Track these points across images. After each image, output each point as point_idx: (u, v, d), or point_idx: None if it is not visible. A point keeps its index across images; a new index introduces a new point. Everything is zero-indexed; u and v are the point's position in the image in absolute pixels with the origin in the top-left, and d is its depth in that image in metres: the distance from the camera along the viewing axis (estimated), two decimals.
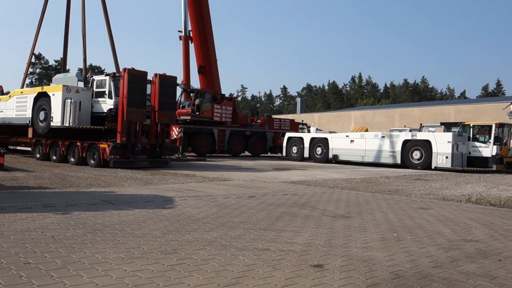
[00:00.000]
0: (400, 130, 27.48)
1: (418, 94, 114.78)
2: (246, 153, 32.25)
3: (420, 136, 22.27)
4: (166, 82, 17.52)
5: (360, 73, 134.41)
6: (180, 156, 24.68)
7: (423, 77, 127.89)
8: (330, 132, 28.23)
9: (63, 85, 17.66)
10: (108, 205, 7.70)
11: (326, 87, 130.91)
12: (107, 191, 9.78)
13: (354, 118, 58.49)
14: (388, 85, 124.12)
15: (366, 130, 32.25)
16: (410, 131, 25.39)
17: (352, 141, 24.60)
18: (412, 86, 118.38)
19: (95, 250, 4.58)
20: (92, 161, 16.88)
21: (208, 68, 31.89)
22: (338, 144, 25.15)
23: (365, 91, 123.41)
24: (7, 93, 24.74)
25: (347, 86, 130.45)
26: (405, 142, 22.37)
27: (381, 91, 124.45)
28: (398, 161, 22.53)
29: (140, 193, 9.49)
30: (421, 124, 29.51)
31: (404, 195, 10.84)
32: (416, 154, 21.89)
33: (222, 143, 29.42)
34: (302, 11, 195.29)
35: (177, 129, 26.40)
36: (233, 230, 5.89)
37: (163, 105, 17.27)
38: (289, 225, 6.43)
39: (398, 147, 22.52)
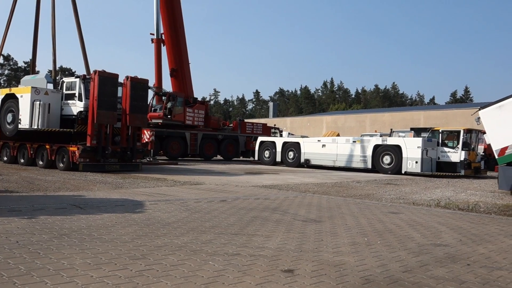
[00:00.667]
0: (371, 135, 27.89)
1: (389, 99, 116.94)
2: (219, 157, 32.17)
3: (391, 141, 22.65)
4: (138, 85, 17.34)
5: (332, 78, 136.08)
6: (151, 159, 24.39)
7: (394, 83, 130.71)
8: (302, 137, 28.42)
9: (32, 87, 17.26)
10: (76, 209, 7.53)
11: (299, 92, 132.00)
12: (75, 195, 9.58)
13: (326, 122, 59.08)
14: (360, 91, 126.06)
15: (338, 135, 32.61)
16: (381, 136, 25.79)
17: (323, 145, 24.82)
18: (383, 91, 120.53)
19: (61, 256, 4.46)
20: (61, 165, 16.54)
21: (181, 71, 31.65)
22: (310, 148, 25.35)
23: (337, 96, 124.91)
24: None
25: (319, 91, 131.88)
26: (376, 147, 22.71)
27: (353, 96, 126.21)
28: (369, 165, 22.84)
29: (110, 197, 9.33)
30: (391, 129, 30.03)
31: (375, 200, 10.99)
32: (387, 159, 22.24)
33: (194, 146, 29.25)
34: (276, 15, 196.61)
35: (149, 132, 26.16)
36: (203, 235, 5.84)
37: (134, 108, 17.07)
38: (260, 229, 6.42)
39: (369, 152, 22.84)
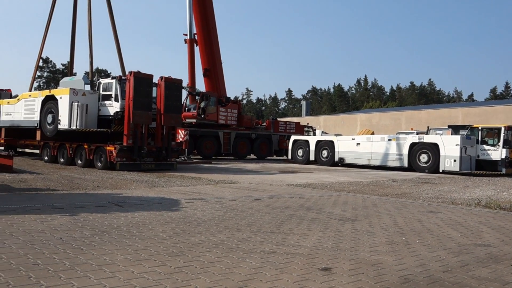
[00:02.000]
0: (407, 133, 27.38)
1: (425, 96, 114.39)
2: (252, 156, 32.27)
3: (428, 139, 22.17)
4: (172, 85, 17.58)
5: (365, 76, 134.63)
6: (185, 159, 24.73)
7: (430, 79, 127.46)
8: (336, 135, 28.16)
9: (70, 88, 17.73)
10: (115, 207, 7.71)
11: (332, 90, 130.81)
12: (114, 193, 9.80)
13: (360, 121, 58.33)
14: (394, 88, 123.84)
15: (372, 133, 32.19)
16: (417, 134, 25.29)
17: (358, 144, 24.55)
18: (419, 88, 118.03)
19: (102, 252, 4.59)
20: (99, 164, 16.95)
21: (213, 71, 31.94)
22: (344, 147, 25.11)
23: (371, 94, 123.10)
24: (16, 96, 24.90)
25: (353, 88, 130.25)
26: (412, 145, 22.29)
27: (387, 93, 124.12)
28: (405, 164, 22.44)
29: (147, 196, 9.50)
30: (428, 127, 29.41)
31: (412, 199, 10.79)
32: (424, 157, 21.80)
33: (227, 146, 29.45)
34: (308, 13, 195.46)
35: (183, 132, 26.54)
36: (239, 233, 5.88)
37: (168, 108, 17.33)
38: (295, 228, 6.41)
39: (405, 150, 22.44)
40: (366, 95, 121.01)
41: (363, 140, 24.69)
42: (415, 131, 28.81)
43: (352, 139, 25.50)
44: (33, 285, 3.48)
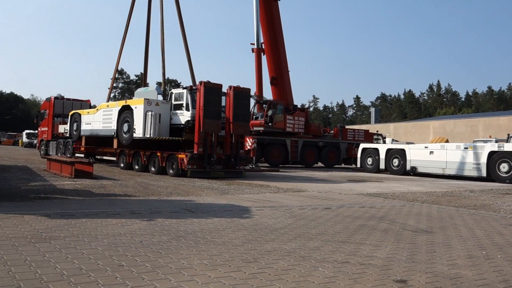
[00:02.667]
0: (485, 141, 25.96)
1: (505, 102, 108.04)
2: (319, 164, 32.02)
3: (508, 147, 20.88)
4: (240, 94, 17.90)
5: (438, 81, 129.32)
6: (253, 166, 25.00)
7: (510, 84, 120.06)
8: (408, 143, 27.29)
9: (145, 99, 18.54)
10: (188, 213, 7.98)
11: (402, 96, 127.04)
12: (186, 199, 10.14)
13: (433, 128, 56.09)
14: (470, 93, 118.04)
15: (447, 141, 30.88)
16: (496, 142, 23.91)
17: (431, 152, 23.61)
18: (498, 93, 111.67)
19: (180, 256, 4.79)
20: (171, 171, 17.57)
21: (280, 79, 32.15)
22: (417, 155, 24.24)
23: (445, 99, 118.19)
24: (94, 106, 26.48)
25: (425, 94, 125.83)
26: (491, 154, 21.09)
27: (462, 99, 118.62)
28: (484, 174, 21.26)
29: (218, 202, 9.74)
30: (508, 134, 27.70)
31: (492, 211, 10.23)
32: (504, 167, 20.54)
33: (295, 154, 29.44)
34: (374, 17, 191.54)
35: (251, 140, 26.86)
36: (311, 242, 5.89)
37: (237, 116, 17.66)
38: (368, 238, 6.32)
39: (483, 159, 21.27)
40: (439, 101, 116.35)
41: (436, 148, 23.71)
42: (494, 139, 27.25)
43: (425, 147, 24.57)
44: (119, 285, 3.71)
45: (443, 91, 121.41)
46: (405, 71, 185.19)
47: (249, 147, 26.35)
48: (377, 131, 40.01)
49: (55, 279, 3.80)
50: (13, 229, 5.82)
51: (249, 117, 18.83)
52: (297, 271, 4.41)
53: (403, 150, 25.07)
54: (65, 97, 29.97)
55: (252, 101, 30.17)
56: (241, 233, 6.29)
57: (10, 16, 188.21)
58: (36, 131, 38.86)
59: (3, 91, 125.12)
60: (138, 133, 18.52)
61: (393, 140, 32.72)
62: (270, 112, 29.05)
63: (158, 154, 18.17)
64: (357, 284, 4.08)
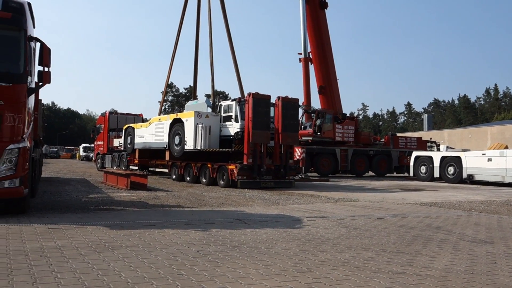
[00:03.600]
0: None
1: None
2: (370, 173, 31.51)
3: None
4: (289, 105, 17.99)
5: (496, 85, 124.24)
6: (303, 176, 24.97)
7: None
8: (463, 150, 26.38)
9: (195, 111, 18.98)
10: (241, 223, 8.13)
11: (456, 102, 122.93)
12: (238, 210, 10.30)
13: (491, 134, 53.86)
14: None
15: (506, 147, 29.59)
16: None
17: (489, 159, 22.69)
18: None
19: (236, 266, 4.92)
20: (221, 182, 17.84)
21: (329, 88, 32.00)
22: (473, 163, 23.37)
23: (503, 104, 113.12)
24: (146, 120, 27.35)
25: (481, 99, 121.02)
26: None
27: None
28: None
29: (269, 213, 9.84)
30: None
31: None
32: None
33: (344, 163, 29.12)
34: (426, 19, 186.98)
35: (300, 150, 26.86)
36: (365, 252, 5.87)
37: (286, 126, 17.73)
38: (423, 249, 6.21)
39: None
40: (496, 106, 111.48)
41: (495, 155, 22.76)
42: None
43: (483, 154, 23.65)
44: None
45: (501, 95, 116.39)
46: (459, 75, 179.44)
47: (298, 157, 26.34)
48: (431, 138, 38.90)
49: (121, 286, 4.02)
50: (78, 239, 6.17)
51: (298, 127, 18.87)
52: (352, 281, 4.42)
53: (458, 158, 24.25)
54: (118, 111, 31.14)
55: (301, 111, 30.24)
56: (294, 243, 6.35)
57: (69, 37, 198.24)
58: (92, 145, 40.55)
59: (61, 107, 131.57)
60: (189, 145, 18.95)
61: (447, 147, 31.78)
62: (318, 122, 28.95)
63: (209, 165, 18.51)
64: None
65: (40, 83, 8.51)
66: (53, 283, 4.04)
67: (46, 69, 8.35)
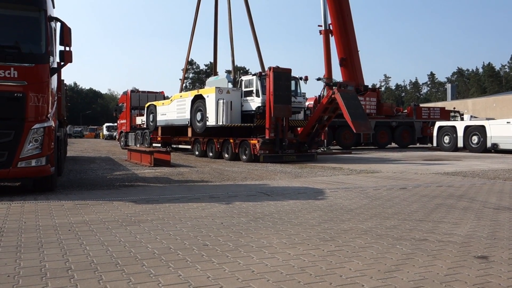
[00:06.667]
0: None
1: None
2: (393, 144, 31.24)
3: None
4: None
5: None
6: (325, 149, 24.92)
7: None
8: (488, 119, 25.87)
9: (216, 87, 19.01)
10: (264, 196, 8.23)
11: (481, 70, 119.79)
12: (261, 183, 10.40)
13: None
14: None
15: None
16: None
17: None
18: None
19: (259, 236, 5.02)
20: (244, 157, 17.96)
21: (350, 60, 31.53)
22: (498, 131, 22.94)
23: None
24: (168, 97, 27.52)
25: (506, 67, 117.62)
26: None
27: None
28: None
29: (292, 185, 9.92)
30: None
31: None
32: None
33: (367, 135, 28.90)
34: None
35: None
36: (387, 221, 5.91)
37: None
38: (446, 216, 6.21)
39: None
40: None
41: None
42: None
43: (507, 122, 23.17)
44: (206, 262, 4.00)
45: None
46: (483, 43, 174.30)
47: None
48: (454, 108, 38.17)
49: (148, 257, 4.16)
50: (105, 214, 6.35)
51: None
52: (374, 249, 4.48)
53: (483, 127, 23.83)
54: (140, 89, 31.38)
55: (322, 84, 29.96)
56: (317, 213, 6.42)
57: (89, 17, 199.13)
58: (115, 124, 41.08)
59: (83, 87, 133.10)
60: (211, 121, 19.05)
61: (471, 116, 31.16)
62: None
63: (231, 140, 18.62)
64: (436, 260, 4.08)
65: (62, 63, 8.65)
66: (82, 255, 4.21)
67: (67, 48, 8.45)
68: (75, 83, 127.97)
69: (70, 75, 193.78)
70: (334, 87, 17.86)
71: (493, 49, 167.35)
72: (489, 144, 23.26)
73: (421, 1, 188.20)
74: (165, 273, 3.70)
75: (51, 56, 8.41)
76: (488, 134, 23.28)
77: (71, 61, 8.55)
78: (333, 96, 17.37)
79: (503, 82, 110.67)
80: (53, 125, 8.55)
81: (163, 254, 4.26)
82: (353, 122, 16.74)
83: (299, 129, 20.67)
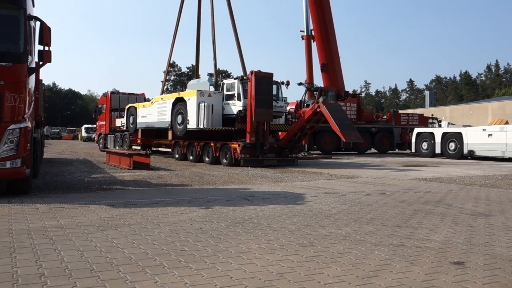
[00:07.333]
0: None
1: None
2: (373, 150, 31.54)
3: None
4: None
5: (497, 61, 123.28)
6: (306, 154, 25.02)
7: None
8: (464, 126, 26.35)
9: (197, 90, 18.90)
10: (244, 200, 8.20)
11: (458, 78, 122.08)
12: (241, 188, 10.37)
13: (492, 110, 53.66)
14: None
15: (506, 123, 29.54)
16: None
17: (490, 135, 22.69)
18: None
19: (238, 241, 4.99)
20: (224, 160, 17.89)
21: (331, 65, 31.80)
22: (474, 138, 23.37)
23: (504, 80, 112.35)
24: (148, 99, 27.28)
25: (482, 75, 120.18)
26: None
27: None
28: None
29: (272, 190, 9.91)
30: None
31: None
32: None
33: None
34: None
35: None
36: (366, 226, 5.94)
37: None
38: (424, 222, 6.28)
39: None
40: (498, 82, 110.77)
41: (495, 131, 22.75)
42: None
43: (483, 129, 23.64)
44: (184, 268, 3.95)
45: (502, 71, 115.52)
46: (460, 51, 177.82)
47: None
48: (432, 115, 38.82)
49: (125, 262, 4.09)
50: (81, 218, 6.24)
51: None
52: (353, 254, 4.49)
53: (459, 134, 24.25)
54: (120, 91, 31.05)
55: (303, 89, 30.17)
56: (297, 218, 6.42)
57: (70, 16, 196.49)
58: (95, 126, 40.55)
59: (62, 87, 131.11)
60: (192, 124, 18.92)
61: (449, 123, 31.75)
62: (321, 99, 28.69)
63: (212, 144, 18.54)
64: (413, 266, 4.11)
65: (41, 63, 8.48)
66: (56, 261, 4.11)
67: (46, 48, 8.30)
68: (54, 83, 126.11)
69: (49, 75, 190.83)
70: (319, 101, 17.94)
71: (470, 58, 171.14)
72: (465, 151, 23.67)
73: (401, 10, 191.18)
74: (142, 279, 3.64)
75: (29, 56, 8.24)
76: (465, 141, 23.70)
77: (50, 61, 8.38)
78: (318, 109, 17.47)
79: (480, 90, 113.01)
80: (30, 126, 8.37)
81: (140, 259, 4.19)
82: (342, 133, 16.86)
83: (280, 133, 20.73)
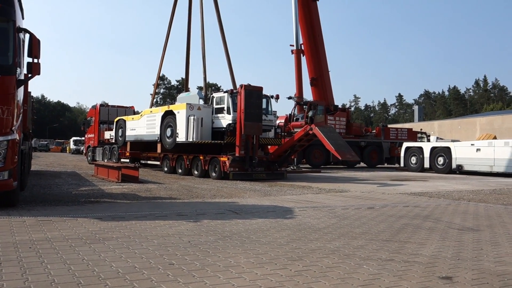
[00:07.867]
0: None
1: None
2: (362, 164, 31.67)
3: None
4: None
5: (485, 76, 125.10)
6: (295, 168, 25.04)
7: None
8: (453, 141, 26.59)
9: (187, 103, 18.89)
10: (233, 214, 8.17)
11: (446, 93, 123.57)
12: (230, 201, 10.34)
13: (480, 125, 54.29)
14: None
15: (494, 138, 29.85)
16: None
17: (478, 149, 22.92)
18: None
19: (227, 255, 4.96)
20: (213, 174, 17.84)
21: (321, 80, 32.05)
22: (462, 153, 23.60)
23: (492, 95, 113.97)
24: (138, 112, 27.19)
25: (470, 90, 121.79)
26: None
27: (511, 94, 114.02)
28: None
29: (261, 204, 9.89)
30: None
31: None
32: None
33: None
34: (416, 12, 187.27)
35: None
36: (355, 240, 5.94)
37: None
38: (412, 237, 6.30)
39: None
40: (486, 97, 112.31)
41: (484, 146, 23.00)
42: None
43: (471, 144, 23.88)
44: (171, 282, 3.91)
45: (490, 86, 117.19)
46: (449, 67, 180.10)
47: None
48: (421, 130, 39.10)
49: (112, 276, 4.04)
50: (68, 231, 6.16)
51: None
52: (342, 269, 4.48)
53: (448, 148, 24.48)
54: (109, 104, 30.90)
55: (293, 103, 30.30)
56: (285, 232, 6.40)
57: (59, 29, 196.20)
58: (83, 138, 40.26)
59: (51, 100, 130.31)
60: (181, 137, 18.88)
61: (437, 138, 31.98)
62: (310, 113, 28.97)
63: (201, 157, 18.49)
64: (402, 280, 4.11)
65: (30, 75, 8.44)
66: (43, 274, 4.06)
67: (35, 60, 8.27)
68: (42, 96, 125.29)
69: (37, 87, 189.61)
70: (311, 123, 18.18)
71: (459, 73, 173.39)
72: (454, 166, 23.87)
73: (390, 25, 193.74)
74: None
75: (18, 68, 8.21)
76: (453, 155, 23.92)
77: (39, 73, 8.35)
78: (311, 132, 17.56)
79: (468, 105, 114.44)
80: (18, 138, 8.29)
81: (128, 273, 4.15)
82: (338, 151, 16.99)
83: (269, 147, 20.74)
